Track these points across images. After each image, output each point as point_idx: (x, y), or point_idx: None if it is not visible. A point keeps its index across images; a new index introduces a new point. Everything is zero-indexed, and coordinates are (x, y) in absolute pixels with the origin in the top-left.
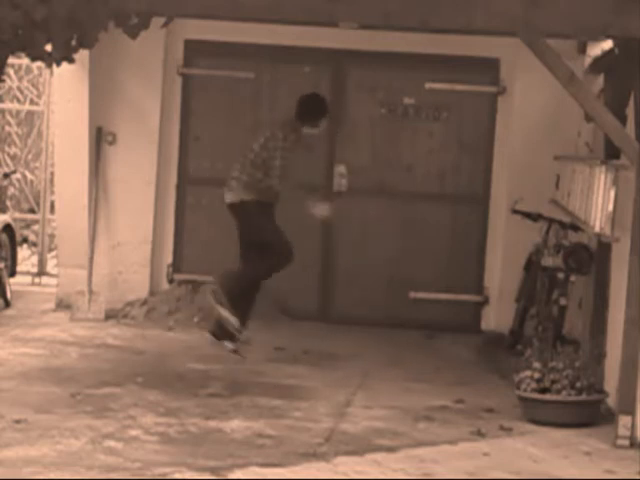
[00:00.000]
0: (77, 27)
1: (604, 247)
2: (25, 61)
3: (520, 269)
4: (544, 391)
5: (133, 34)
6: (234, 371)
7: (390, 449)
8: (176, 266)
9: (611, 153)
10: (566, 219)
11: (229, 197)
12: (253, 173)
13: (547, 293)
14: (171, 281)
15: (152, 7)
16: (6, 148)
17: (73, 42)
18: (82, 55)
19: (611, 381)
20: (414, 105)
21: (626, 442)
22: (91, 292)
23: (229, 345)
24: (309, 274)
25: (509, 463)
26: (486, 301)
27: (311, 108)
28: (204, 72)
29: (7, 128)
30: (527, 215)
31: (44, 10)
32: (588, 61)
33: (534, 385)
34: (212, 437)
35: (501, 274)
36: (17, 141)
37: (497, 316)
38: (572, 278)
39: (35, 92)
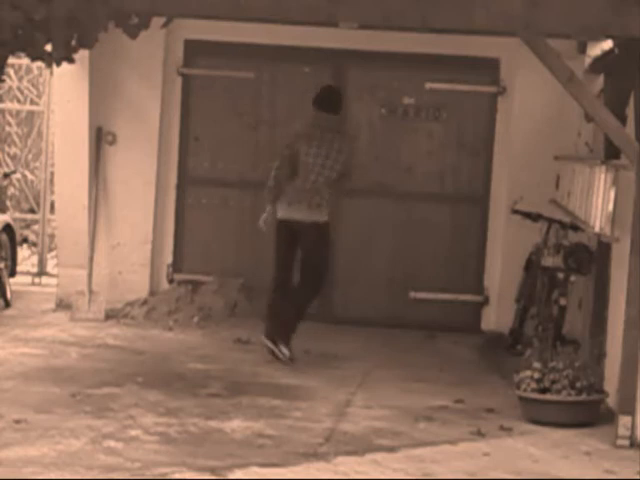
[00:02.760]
0: (77, 27)
1: (604, 247)
2: (25, 61)
3: (520, 269)
4: (544, 391)
5: (133, 34)
6: (234, 371)
7: (390, 449)
8: (176, 266)
9: (611, 153)
10: (566, 219)
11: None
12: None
13: (547, 293)
14: (171, 281)
15: (152, 7)
16: (6, 148)
17: (73, 42)
18: (82, 55)
19: (611, 381)
20: (414, 105)
21: (626, 442)
22: (91, 292)
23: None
24: None
25: (509, 463)
26: (486, 301)
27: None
28: (204, 72)
29: (7, 128)
30: (527, 215)
31: (44, 10)
32: (588, 61)
33: (534, 385)
34: (212, 437)
35: (501, 274)
36: (17, 141)
37: (497, 316)
38: (572, 278)
39: (35, 92)
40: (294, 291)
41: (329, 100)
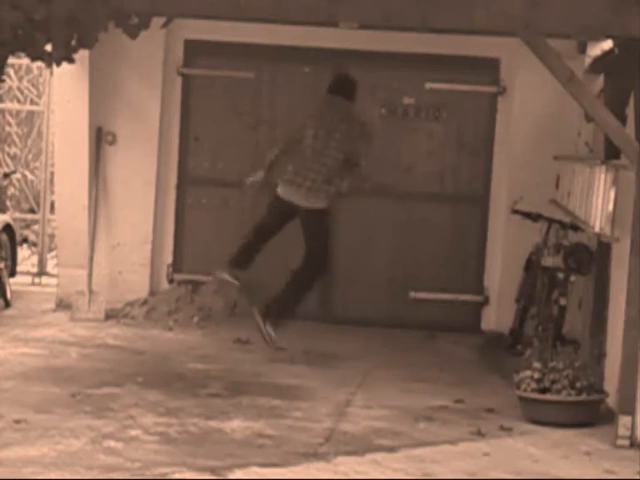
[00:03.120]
0: (77, 27)
1: (604, 247)
2: (25, 61)
3: (520, 269)
4: (544, 391)
5: (133, 34)
6: (234, 371)
7: (390, 449)
8: (176, 266)
9: (611, 153)
10: (566, 219)
11: None
12: None
13: (547, 293)
14: (171, 281)
15: (152, 7)
16: (6, 148)
17: (73, 42)
18: (82, 55)
19: (611, 381)
20: (414, 105)
21: (626, 442)
22: (91, 292)
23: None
24: None
25: (509, 463)
26: (486, 301)
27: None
28: (204, 72)
29: (7, 128)
30: (527, 215)
31: (44, 10)
32: (588, 61)
33: (534, 385)
34: (212, 437)
35: (501, 274)
36: (17, 141)
37: (497, 316)
38: (572, 278)
39: (35, 92)
40: (296, 271)
41: (343, 86)
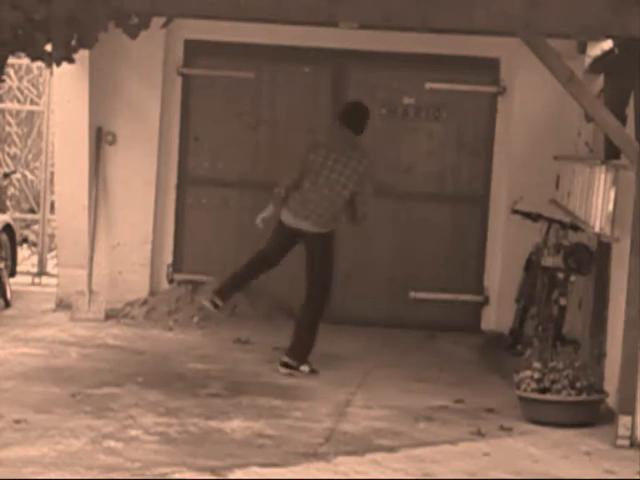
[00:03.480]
0: (77, 27)
1: (604, 247)
2: (25, 61)
3: (520, 269)
4: (544, 391)
5: (133, 34)
6: (234, 371)
7: (390, 449)
8: (176, 266)
9: (611, 153)
10: (566, 219)
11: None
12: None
13: (547, 293)
14: (171, 281)
15: (152, 7)
16: (6, 148)
17: (73, 42)
18: (82, 55)
19: (611, 381)
20: (414, 105)
21: (626, 442)
22: (91, 292)
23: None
24: None
25: (509, 463)
26: (486, 301)
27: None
28: (204, 72)
29: (7, 128)
30: (527, 215)
31: (44, 10)
32: (588, 61)
33: (534, 385)
34: (212, 437)
35: (501, 274)
36: (17, 141)
37: (497, 316)
38: (572, 278)
39: (35, 92)
40: (303, 309)
41: (354, 118)
